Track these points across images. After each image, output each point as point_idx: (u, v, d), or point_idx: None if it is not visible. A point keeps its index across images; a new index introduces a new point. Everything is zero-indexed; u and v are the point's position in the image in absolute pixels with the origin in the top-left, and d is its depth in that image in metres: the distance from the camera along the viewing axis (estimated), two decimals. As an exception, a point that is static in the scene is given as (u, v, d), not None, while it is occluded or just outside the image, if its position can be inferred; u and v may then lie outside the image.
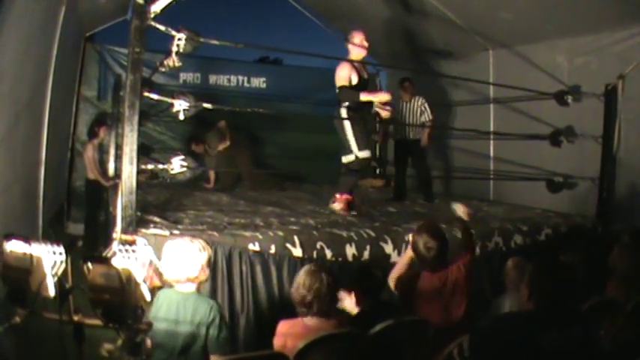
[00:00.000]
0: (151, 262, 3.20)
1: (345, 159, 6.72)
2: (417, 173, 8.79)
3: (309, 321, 3.57)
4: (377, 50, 10.61)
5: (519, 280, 4.09)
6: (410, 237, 4.81)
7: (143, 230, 4.79)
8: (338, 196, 6.77)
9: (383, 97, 6.80)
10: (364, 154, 6.61)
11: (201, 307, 3.46)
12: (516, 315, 3.18)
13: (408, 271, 4.56)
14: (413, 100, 8.54)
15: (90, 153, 8.55)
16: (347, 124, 6.57)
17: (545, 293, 3.01)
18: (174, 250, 3.52)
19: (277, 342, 3.58)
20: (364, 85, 6.65)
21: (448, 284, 4.26)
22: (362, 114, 6.77)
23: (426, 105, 8.50)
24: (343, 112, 6.65)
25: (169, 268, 3.46)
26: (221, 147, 9.29)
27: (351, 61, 6.58)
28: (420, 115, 8.52)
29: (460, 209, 5.11)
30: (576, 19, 6.89)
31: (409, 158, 8.74)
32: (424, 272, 4.34)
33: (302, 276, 3.62)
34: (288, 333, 3.55)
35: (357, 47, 6.60)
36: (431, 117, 8.50)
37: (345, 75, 6.51)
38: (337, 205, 6.71)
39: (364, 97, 6.52)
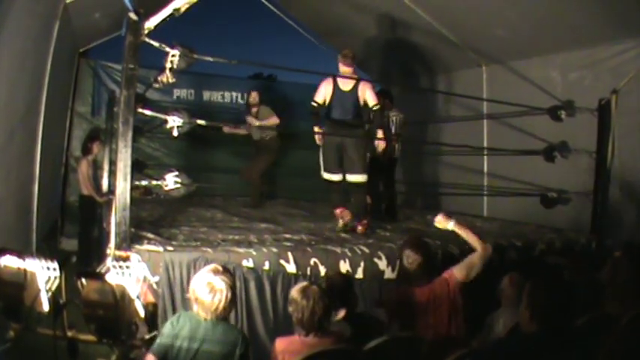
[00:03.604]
0: (144, 278, 3.19)
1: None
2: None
3: (306, 338, 3.55)
4: (370, 66, 10.68)
5: (516, 296, 4.09)
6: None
7: (137, 246, 4.77)
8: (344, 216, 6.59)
9: None
10: (327, 176, 6.69)
11: (231, 335, 3.41)
12: (519, 337, 3.15)
13: (398, 289, 4.57)
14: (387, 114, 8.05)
15: (84, 169, 8.51)
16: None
17: (548, 314, 2.99)
18: (212, 287, 3.36)
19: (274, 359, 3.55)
20: None
21: (433, 300, 4.28)
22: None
23: (396, 119, 8.05)
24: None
25: (203, 302, 3.36)
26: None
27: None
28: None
29: (442, 223, 4.80)
30: (570, 34, 6.95)
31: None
32: (416, 288, 4.34)
33: (296, 294, 3.59)
34: (285, 350, 3.52)
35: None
36: (397, 131, 8.06)
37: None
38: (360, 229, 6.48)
39: None
